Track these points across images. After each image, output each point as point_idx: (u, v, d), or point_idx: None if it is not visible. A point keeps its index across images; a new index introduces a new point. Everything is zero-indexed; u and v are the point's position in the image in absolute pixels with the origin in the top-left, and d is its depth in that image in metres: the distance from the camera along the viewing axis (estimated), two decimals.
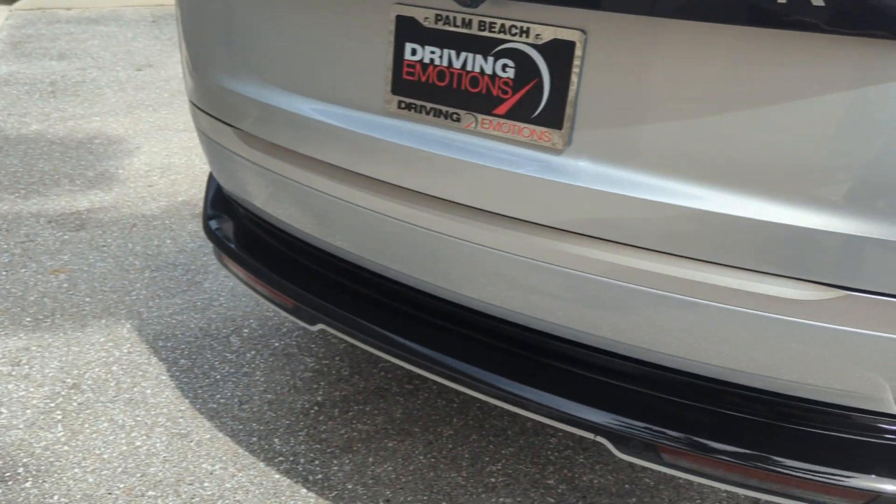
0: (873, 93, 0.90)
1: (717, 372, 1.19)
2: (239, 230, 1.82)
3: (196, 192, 3.41)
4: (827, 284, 1.01)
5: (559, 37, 1.08)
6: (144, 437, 1.99)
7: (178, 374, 2.24)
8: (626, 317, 1.18)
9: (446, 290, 1.38)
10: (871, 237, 0.96)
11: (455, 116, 1.21)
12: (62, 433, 1.99)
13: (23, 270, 2.73)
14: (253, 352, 2.35)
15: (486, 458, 1.97)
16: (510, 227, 1.21)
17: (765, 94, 0.97)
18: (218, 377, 2.23)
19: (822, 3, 0.88)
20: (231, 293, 2.65)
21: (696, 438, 1.18)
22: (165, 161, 3.74)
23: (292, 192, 1.51)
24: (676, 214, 1.06)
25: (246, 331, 2.46)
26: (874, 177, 0.94)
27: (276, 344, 2.40)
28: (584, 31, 1.06)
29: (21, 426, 2.00)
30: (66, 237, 2.97)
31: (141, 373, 2.23)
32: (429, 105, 1.23)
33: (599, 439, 1.25)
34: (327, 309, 1.52)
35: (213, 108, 1.60)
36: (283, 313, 1.65)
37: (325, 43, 1.34)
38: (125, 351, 2.32)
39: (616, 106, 1.07)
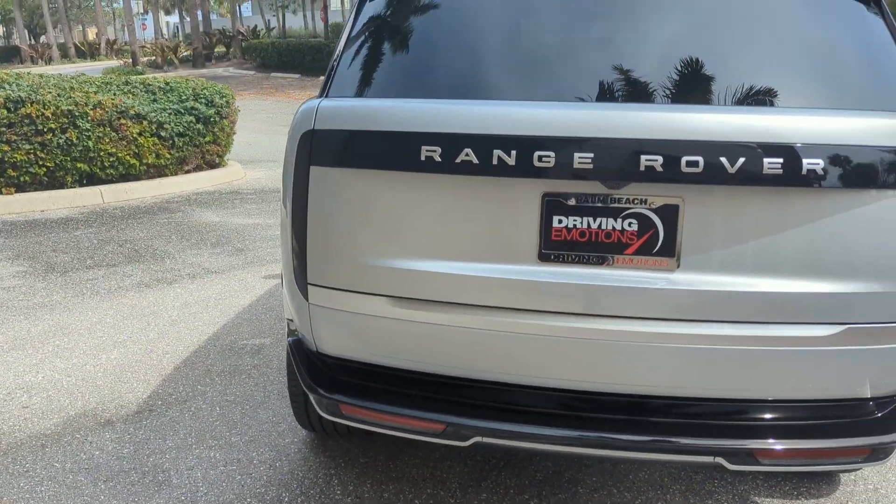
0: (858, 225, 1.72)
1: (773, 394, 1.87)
2: (357, 388, 2.09)
3: (86, 403, 3.29)
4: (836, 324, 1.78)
5: (668, 203, 1.77)
6: None
7: None
8: (721, 369, 1.82)
9: (584, 381, 1.89)
10: (860, 292, 1.76)
11: (593, 260, 1.81)
12: None
13: None
14: None
15: None
16: (643, 325, 1.80)
17: (784, 224, 1.74)
18: None
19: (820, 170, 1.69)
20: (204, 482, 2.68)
21: (780, 440, 1.83)
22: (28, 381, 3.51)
23: (444, 336, 1.91)
24: (745, 297, 1.76)
25: None
26: (857, 268, 1.75)
27: None
28: (683, 199, 1.76)
29: None
30: None
31: None
32: (573, 254, 1.81)
33: (718, 460, 1.83)
34: (480, 427, 1.89)
35: (359, 285, 1.95)
36: (430, 439, 1.96)
37: (471, 219, 1.84)
38: None
39: (705, 240, 1.77)
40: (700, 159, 1.69)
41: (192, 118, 8.01)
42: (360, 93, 2.04)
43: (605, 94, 1.91)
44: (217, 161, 8.58)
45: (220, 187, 8.23)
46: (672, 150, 1.71)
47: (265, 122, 14.59)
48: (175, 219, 6.76)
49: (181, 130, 7.92)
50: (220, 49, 37.72)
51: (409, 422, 1.98)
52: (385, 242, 1.93)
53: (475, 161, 1.79)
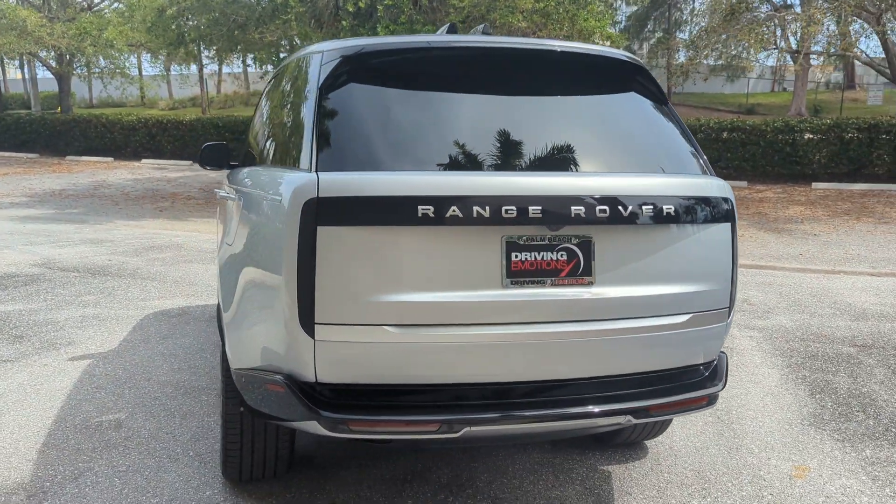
0: None
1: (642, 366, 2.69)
2: (359, 407, 2.46)
3: None
4: (686, 313, 2.69)
5: (583, 238, 2.54)
6: None
7: None
8: (628, 351, 2.61)
9: (540, 373, 2.53)
10: (697, 290, 2.69)
11: (542, 282, 2.50)
12: None
13: None
14: None
15: None
16: (577, 326, 2.53)
17: (652, 249, 2.62)
18: None
19: (664, 212, 2.61)
20: None
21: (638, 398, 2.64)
22: None
23: (434, 351, 2.42)
24: (637, 300, 2.60)
25: None
26: (694, 275, 2.68)
27: None
28: (591, 236, 2.55)
29: None
30: None
31: None
32: (527, 279, 2.49)
33: (629, 417, 2.59)
34: (467, 419, 2.43)
35: (364, 318, 2.38)
36: (426, 436, 2.42)
37: (454, 258, 2.43)
38: None
39: (612, 264, 2.57)
40: (606, 207, 2.52)
41: None
42: (344, 166, 2.52)
43: (541, 165, 2.66)
44: None
45: None
46: (586, 202, 2.50)
47: None
48: None
49: None
50: None
51: (408, 426, 2.46)
52: (386, 281, 2.43)
53: (459, 215, 2.41)
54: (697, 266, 2.71)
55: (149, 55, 25.88)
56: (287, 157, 2.91)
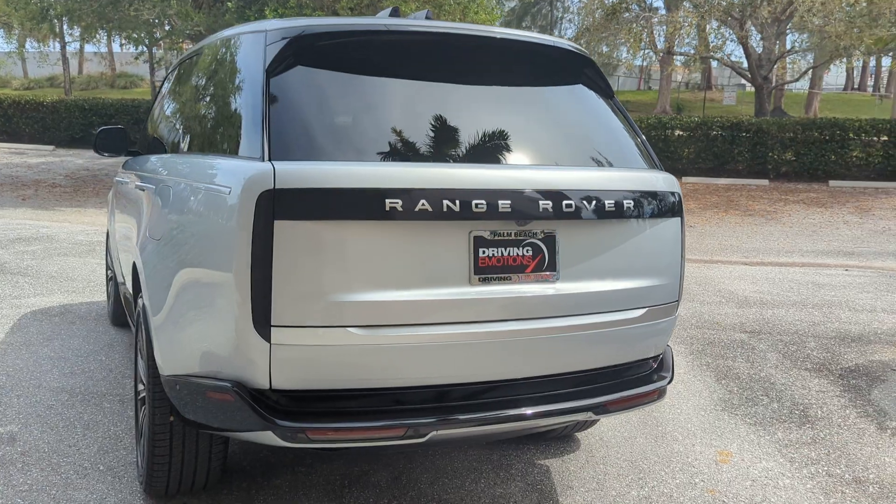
0: None
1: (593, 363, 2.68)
2: (317, 414, 2.28)
3: None
4: (641, 307, 2.70)
5: (547, 234, 2.49)
6: None
7: None
8: (590, 347, 2.59)
9: (505, 371, 2.45)
10: (652, 285, 2.70)
11: (508, 279, 2.43)
12: None
13: None
14: None
15: None
16: (539, 321, 2.47)
17: (612, 243, 2.61)
18: None
19: (623, 206, 2.60)
20: None
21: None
22: None
23: (399, 353, 2.29)
24: (598, 295, 2.58)
25: None
26: (649, 269, 2.69)
27: None
28: (555, 231, 2.50)
29: None
30: None
31: None
32: (494, 276, 2.40)
33: (589, 413, 2.57)
34: (433, 422, 2.32)
35: (326, 320, 2.21)
36: (391, 442, 2.28)
37: (421, 254, 2.31)
38: None
39: (574, 259, 2.53)
40: (572, 202, 2.48)
41: None
42: (299, 155, 2.34)
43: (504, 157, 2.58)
44: None
45: None
46: (554, 196, 2.46)
47: None
48: None
49: None
50: None
51: (372, 433, 2.33)
52: (349, 280, 2.27)
53: (429, 209, 2.29)
54: (651, 260, 2.74)
55: (1, 29, 23.72)
56: (222, 145, 2.68)
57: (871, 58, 34.43)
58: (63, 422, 3.70)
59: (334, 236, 2.26)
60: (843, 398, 4.47)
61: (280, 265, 2.22)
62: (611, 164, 2.78)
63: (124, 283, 4.13)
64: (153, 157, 3.43)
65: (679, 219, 2.82)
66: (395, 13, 3.05)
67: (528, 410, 2.50)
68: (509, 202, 2.40)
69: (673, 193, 2.80)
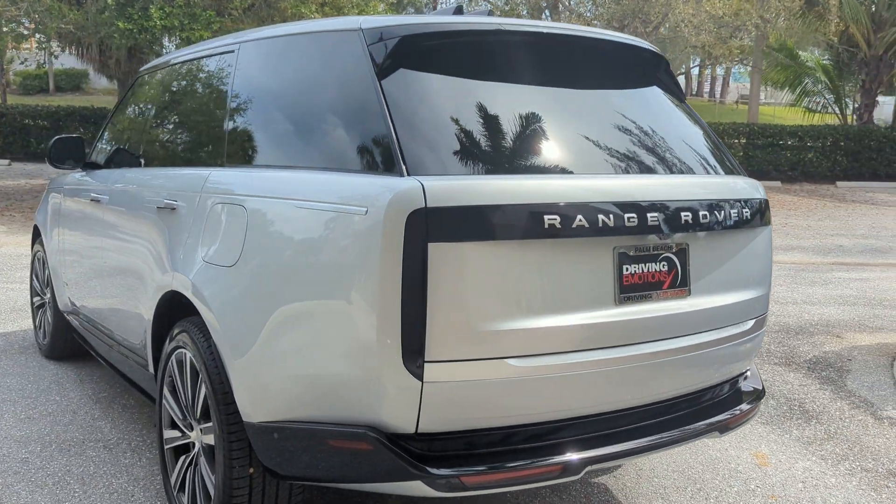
0: None
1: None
2: (468, 457, 2.02)
3: None
4: (751, 319, 2.64)
5: (680, 247, 2.36)
6: None
7: None
8: (719, 363, 2.49)
9: (653, 394, 2.30)
10: (758, 295, 2.64)
11: (649, 296, 2.28)
12: None
13: None
14: None
15: None
16: (676, 340, 2.34)
17: (732, 254, 2.53)
18: None
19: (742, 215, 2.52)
20: None
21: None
22: None
23: (552, 383, 2.08)
24: (724, 309, 2.48)
25: None
26: (755, 279, 2.63)
27: None
28: (687, 244, 2.38)
29: None
30: None
31: None
32: (637, 294, 2.25)
33: (715, 433, 2.46)
34: (589, 457, 2.12)
35: (484, 352, 1.96)
36: (548, 482, 2.06)
37: (570, 274, 2.12)
38: None
39: (701, 273, 2.42)
40: (706, 213, 2.37)
41: None
42: (439, 169, 2.07)
43: (645, 167, 2.43)
44: None
45: None
46: (693, 207, 2.34)
47: None
48: None
49: None
50: None
51: (530, 473, 2.10)
52: (505, 306, 2.04)
53: (585, 225, 2.10)
54: (753, 270, 2.69)
55: None
56: (326, 159, 2.36)
57: (720, 66, 37.15)
58: (51, 478, 3.16)
59: (489, 258, 2.03)
60: (826, 391, 4.68)
61: (435, 293, 1.96)
62: (716, 172, 2.70)
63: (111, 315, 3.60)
64: (187, 171, 2.96)
65: (770, 226, 2.79)
66: (459, 11, 2.83)
67: (674, 434, 2.37)
68: (657, 215, 2.26)
69: (766, 202, 2.77)
